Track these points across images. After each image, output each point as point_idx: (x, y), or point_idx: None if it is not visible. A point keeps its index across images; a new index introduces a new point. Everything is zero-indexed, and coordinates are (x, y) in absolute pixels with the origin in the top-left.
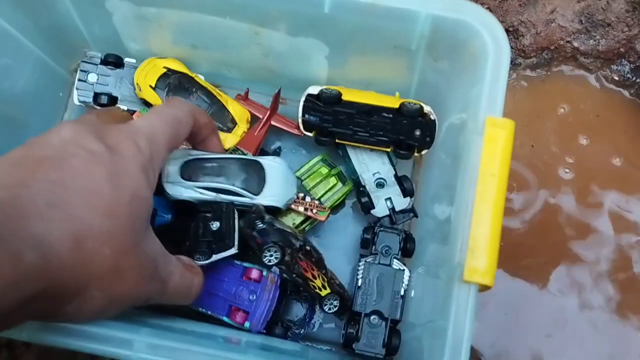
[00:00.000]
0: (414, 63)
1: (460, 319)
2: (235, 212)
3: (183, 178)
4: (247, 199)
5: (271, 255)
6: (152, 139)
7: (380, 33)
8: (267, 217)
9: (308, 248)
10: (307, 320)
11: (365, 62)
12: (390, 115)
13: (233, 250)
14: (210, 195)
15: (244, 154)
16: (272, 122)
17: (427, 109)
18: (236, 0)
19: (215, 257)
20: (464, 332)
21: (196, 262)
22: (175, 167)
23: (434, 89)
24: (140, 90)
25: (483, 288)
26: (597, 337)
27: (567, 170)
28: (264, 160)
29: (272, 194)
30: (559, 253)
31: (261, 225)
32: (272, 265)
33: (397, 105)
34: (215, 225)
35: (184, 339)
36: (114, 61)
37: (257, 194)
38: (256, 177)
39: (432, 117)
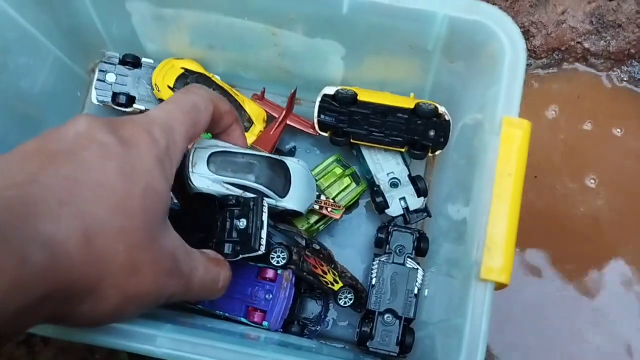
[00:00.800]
0: (430, 64)
1: (477, 317)
2: (265, 208)
3: (210, 170)
4: (272, 201)
5: (278, 257)
6: (169, 129)
7: (397, 33)
8: (269, 220)
9: (314, 245)
10: (323, 317)
11: (381, 62)
12: (405, 116)
13: (260, 252)
14: (236, 192)
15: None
16: (288, 122)
17: (441, 109)
18: (254, 1)
19: (241, 256)
20: (481, 329)
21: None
22: (202, 158)
23: (448, 90)
24: (158, 90)
25: (499, 286)
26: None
27: (592, 178)
28: (290, 162)
29: (297, 197)
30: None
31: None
32: (281, 266)
33: (412, 106)
34: (242, 223)
35: (205, 335)
36: (132, 61)
37: (282, 196)
38: (282, 178)
39: (447, 117)
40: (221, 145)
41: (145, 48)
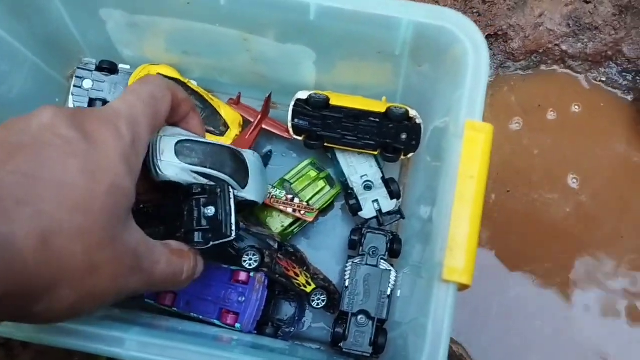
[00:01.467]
0: (399, 68)
1: (439, 317)
2: (232, 194)
3: (178, 158)
4: (235, 191)
5: (250, 259)
6: (134, 122)
7: (365, 39)
8: (241, 223)
9: (287, 248)
10: (297, 319)
11: (352, 67)
12: (377, 120)
13: (231, 238)
14: (202, 181)
15: None
16: (263, 126)
17: (412, 113)
18: (224, 8)
19: (212, 244)
20: (443, 329)
21: (193, 246)
22: (169, 146)
23: (419, 94)
24: None
25: (462, 287)
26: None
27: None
28: (246, 154)
29: (255, 189)
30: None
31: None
32: (253, 269)
33: (383, 110)
34: (210, 210)
35: (175, 338)
36: (108, 67)
37: (243, 187)
38: (242, 169)
39: (418, 121)
40: (185, 134)
41: (121, 54)
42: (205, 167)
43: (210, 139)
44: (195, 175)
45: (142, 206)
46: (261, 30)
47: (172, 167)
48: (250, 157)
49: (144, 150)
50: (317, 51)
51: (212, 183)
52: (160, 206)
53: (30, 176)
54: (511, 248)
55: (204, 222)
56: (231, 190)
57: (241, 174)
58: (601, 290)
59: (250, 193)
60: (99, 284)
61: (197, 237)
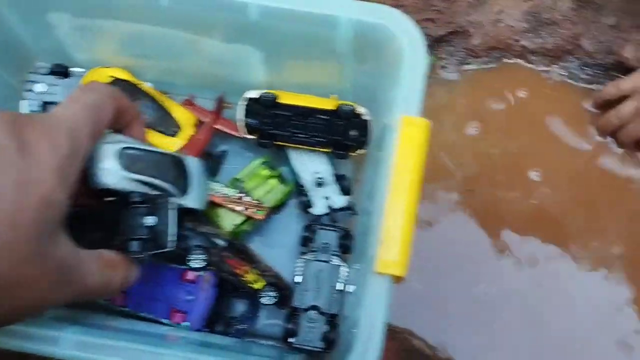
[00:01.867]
0: (345, 66)
1: (373, 310)
2: (174, 205)
3: (120, 166)
4: (176, 199)
5: (196, 259)
6: (74, 131)
7: (308, 38)
8: (188, 222)
9: (235, 246)
10: (249, 316)
11: (300, 66)
12: (327, 117)
13: (168, 249)
14: (142, 189)
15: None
16: (217, 126)
17: (360, 110)
18: (167, 9)
19: (148, 253)
20: (376, 322)
21: (130, 255)
22: (112, 154)
23: (367, 91)
24: None
25: (397, 279)
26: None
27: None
28: (187, 160)
29: (196, 195)
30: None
31: (182, 231)
32: (199, 268)
33: (332, 107)
34: (150, 220)
35: (117, 337)
36: (61, 71)
37: (183, 194)
38: (183, 176)
39: (366, 117)
40: (128, 141)
41: (74, 58)
42: (147, 175)
43: (164, 140)
44: (136, 184)
45: (78, 209)
46: (207, 31)
47: (112, 174)
48: (192, 163)
49: (83, 160)
50: (263, 51)
51: (153, 192)
52: (97, 212)
53: None
54: (476, 244)
55: (142, 232)
56: (174, 200)
57: (182, 181)
58: (566, 281)
59: (190, 200)
60: (25, 298)
61: (135, 246)
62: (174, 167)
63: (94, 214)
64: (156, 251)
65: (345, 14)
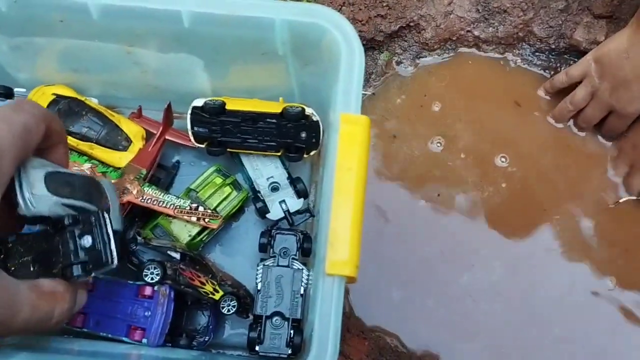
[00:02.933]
0: (287, 68)
1: (325, 312)
2: (107, 221)
3: (49, 192)
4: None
5: (152, 273)
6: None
7: (245, 42)
8: (139, 238)
9: (189, 257)
10: (211, 327)
11: (243, 71)
12: (274, 121)
13: (112, 266)
14: (74, 213)
15: (138, 170)
16: (167, 137)
17: (308, 111)
18: (98, 22)
19: (94, 274)
20: (330, 324)
21: (74, 280)
22: (39, 179)
23: (313, 91)
24: None
25: (350, 280)
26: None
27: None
28: (103, 183)
29: (115, 217)
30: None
31: (134, 247)
32: (155, 283)
33: (279, 110)
34: (87, 240)
35: None
36: (3, 92)
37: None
38: (103, 198)
39: (315, 118)
40: (52, 165)
41: (15, 78)
42: (76, 199)
43: (114, 155)
44: (66, 208)
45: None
46: (141, 41)
47: (44, 200)
48: (107, 185)
49: (5, 186)
50: (202, 58)
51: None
52: (26, 242)
53: None
54: (445, 243)
55: (82, 254)
56: (106, 216)
57: (103, 204)
58: (543, 269)
59: (113, 221)
60: None
61: (77, 270)
62: (96, 190)
63: (25, 242)
64: (100, 271)
65: (279, 15)
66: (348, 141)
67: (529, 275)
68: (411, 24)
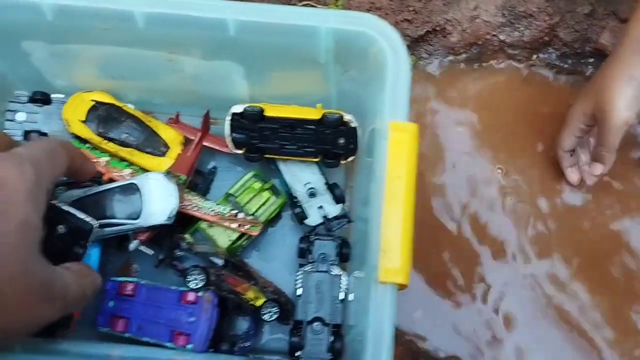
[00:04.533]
0: (328, 75)
1: (378, 319)
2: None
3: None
4: (131, 225)
5: (195, 279)
6: (37, 165)
7: (289, 50)
8: (184, 243)
9: (232, 264)
10: (252, 332)
11: (282, 77)
12: (313, 127)
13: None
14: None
15: (177, 176)
16: (204, 143)
17: (347, 117)
18: (144, 31)
19: (89, 244)
20: (384, 331)
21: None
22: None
23: (352, 98)
24: (69, 125)
25: (401, 287)
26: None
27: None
28: (139, 180)
29: (152, 213)
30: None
31: (179, 252)
32: (199, 289)
33: (318, 117)
34: (61, 228)
35: None
36: (41, 98)
37: (137, 217)
38: (133, 200)
39: (353, 124)
40: (76, 194)
41: (53, 84)
42: (95, 217)
43: (153, 161)
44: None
45: None
46: (184, 49)
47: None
48: (144, 180)
49: (47, 191)
50: (244, 65)
51: (108, 229)
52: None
53: None
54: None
55: (66, 239)
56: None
57: (131, 206)
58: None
59: (146, 219)
60: (16, 313)
61: (77, 249)
62: (121, 196)
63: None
64: (90, 236)
65: (325, 23)
66: (397, 149)
67: (561, 288)
68: (437, 28)
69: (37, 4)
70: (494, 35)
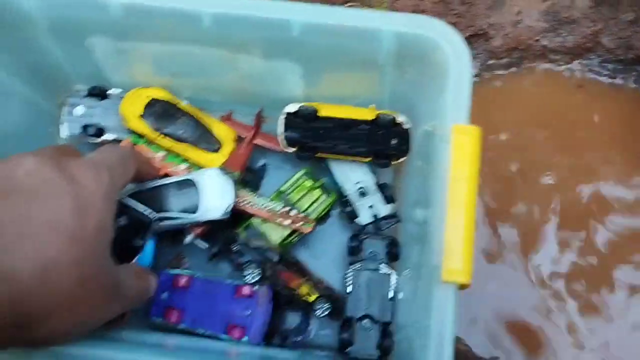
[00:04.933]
0: (384, 77)
1: (442, 318)
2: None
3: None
4: (187, 220)
5: (252, 273)
6: (111, 169)
7: (349, 51)
8: (240, 237)
9: (288, 259)
10: (303, 327)
11: (339, 78)
12: (367, 127)
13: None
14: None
15: (231, 172)
16: (256, 141)
17: (400, 118)
18: (209, 30)
19: (148, 240)
20: (446, 330)
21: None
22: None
23: (406, 100)
24: (126, 120)
25: (462, 286)
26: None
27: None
28: (196, 176)
29: (209, 208)
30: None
31: (236, 247)
32: (255, 283)
33: (372, 117)
34: (121, 220)
35: (180, 355)
36: (99, 93)
37: (194, 212)
38: (190, 195)
39: (406, 126)
40: (133, 187)
41: (111, 79)
42: (152, 211)
43: (207, 157)
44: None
45: None
46: (247, 48)
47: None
48: (201, 176)
49: (119, 193)
50: (302, 65)
51: (166, 222)
52: None
53: (26, 216)
54: (510, 247)
55: (129, 232)
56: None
57: (188, 201)
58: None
59: (203, 215)
60: (91, 311)
61: (136, 242)
62: (178, 191)
63: None
64: (147, 231)
65: (389, 26)
66: (460, 152)
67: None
68: (480, 32)
69: (107, 2)
70: (536, 40)
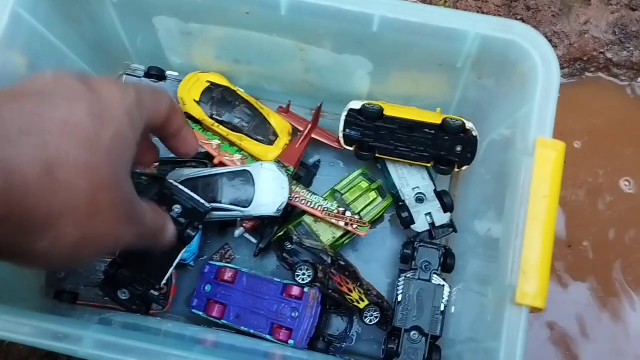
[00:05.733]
0: (458, 80)
1: (512, 341)
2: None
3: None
4: (239, 213)
5: (304, 274)
6: (140, 92)
7: (427, 51)
8: (295, 237)
9: (341, 263)
10: (349, 333)
11: (408, 78)
12: (432, 131)
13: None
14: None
15: (285, 167)
16: (313, 136)
17: (469, 125)
18: (285, 18)
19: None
20: (516, 353)
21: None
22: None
23: (475, 106)
24: (184, 104)
25: (534, 310)
26: None
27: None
28: (253, 168)
29: (263, 203)
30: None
31: (290, 246)
32: (306, 284)
33: (439, 121)
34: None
35: (227, 355)
36: (157, 74)
37: (247, 206)
38: (246, 187)
39: (474, 133)
40: (186, 173)
41: (169, 61)
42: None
43: (261, 148)
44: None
45: None
46: (319, 40)
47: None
48: (259, 169)
49: (145, 119)
50: (374, 62)
51: (216, 213)
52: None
53: (35, 114)
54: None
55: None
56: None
57: (243, 193)
58: None
59: (256, 209)
60: (100, 226)
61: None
62: (233, 182)
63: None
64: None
65: (475, 29)
66: (544, 167)
67: None
68: None
69: None
70: (601, 52)
